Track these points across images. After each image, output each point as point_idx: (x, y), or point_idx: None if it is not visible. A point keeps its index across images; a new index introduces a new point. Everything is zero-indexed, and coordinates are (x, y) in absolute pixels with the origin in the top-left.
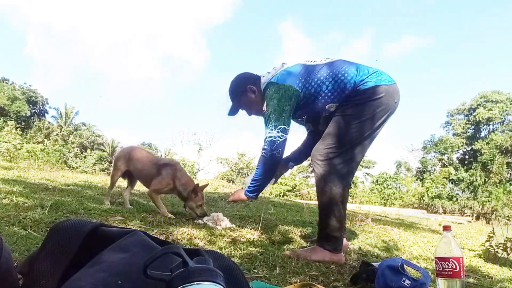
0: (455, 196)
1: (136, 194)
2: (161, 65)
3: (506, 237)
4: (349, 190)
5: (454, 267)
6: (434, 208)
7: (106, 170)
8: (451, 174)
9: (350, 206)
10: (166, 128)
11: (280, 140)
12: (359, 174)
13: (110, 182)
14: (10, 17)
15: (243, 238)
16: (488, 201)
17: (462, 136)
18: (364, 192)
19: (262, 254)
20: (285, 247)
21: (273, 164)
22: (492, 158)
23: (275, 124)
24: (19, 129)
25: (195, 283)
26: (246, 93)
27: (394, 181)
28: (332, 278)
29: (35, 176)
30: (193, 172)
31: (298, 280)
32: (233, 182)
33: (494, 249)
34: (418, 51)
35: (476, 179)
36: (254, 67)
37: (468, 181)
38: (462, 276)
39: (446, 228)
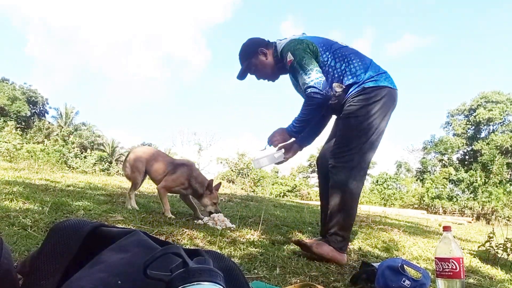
0: (455, 197)
1: (136, 194)
2: (161, 65)
3: (506, 238)
4: None
5: (454, 267)
6: (434, 209)
7: (106, 171)
8: (451, 174)
9: None
10: (166, 128)
11: (323, 79)
12: None
13: (132, 184)
14: (10, 17)
15: (243, 239)
16: (488, 202)
17: (462, 137)
18: (364, 192)
19: (262, 254)
20: (285, 247)
21: (322, 102)
22: (492, 159)
23: (311, 67)
24: (19, 129)
25: (195, 283)
26: (257, 55)
27: (394, 182)
28: (332, 278)
29: (35, 176)
30: None
31: (298, 280)
32: (233, 182)
33: (494, 250)
34: (419, 51)
35: (476, 180)
36: None
37: (468, 182)
38: (462, 277)
39: (446, 228)
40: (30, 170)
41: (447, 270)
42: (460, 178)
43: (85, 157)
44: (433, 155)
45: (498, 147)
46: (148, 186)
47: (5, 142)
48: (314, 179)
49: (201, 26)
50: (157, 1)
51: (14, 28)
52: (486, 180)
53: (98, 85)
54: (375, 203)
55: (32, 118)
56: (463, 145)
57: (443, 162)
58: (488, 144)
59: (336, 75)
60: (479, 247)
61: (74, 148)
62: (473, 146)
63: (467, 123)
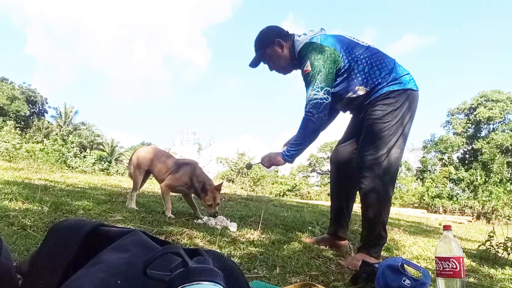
0: (455, 196)
1: (136, 194)
2: (161, 65)
3: (506, 237)
4: None
5: (454, 266)
6: (435, 208)
7: (105, 170)
8: (452, 173)
9: None
10: (166, 128)
11: (326, 102)
12: None
13: (133, 184)
14: (10, 16)
15: (243, 238)
16: (489, 201)
17: (463, 136)
18: None
19: (262, 254)
20: (285, 247)
21: (318, 127)
22: (492, 158)
23: (321, 85)
24: (18, 128)
25: (195, 283)
26: (273, 46)
27: None
28: (332, 278)
29: (34, 176)
30: None
31: (298, 280)
32: (233, 182)
33: (494, 249)
34: (419, 51)
35: (477, 179)
36: None
37: (469, 181)
38: (462, 276)
39: (447, 227)
40: (29, 169)
41: (447, 269)
42: (460, 177)
43: (84, 157)
44: (433, 154)
45: (498, 146)
46: (148, 186)
47: (4, 141)
48: (314, 179)
49: (202, 26)
50: (157, 1)
51: (14, 28)
52: (487, 179)
53: (98, 84)
54: None
55: (31, 117)
56: (463, 144)
57: (443, 161)
58: (488, 143)
59: (360, 78)
60: (479, 246)
61: (73, 147)
62: (473, 145)
63: (467, 122)
